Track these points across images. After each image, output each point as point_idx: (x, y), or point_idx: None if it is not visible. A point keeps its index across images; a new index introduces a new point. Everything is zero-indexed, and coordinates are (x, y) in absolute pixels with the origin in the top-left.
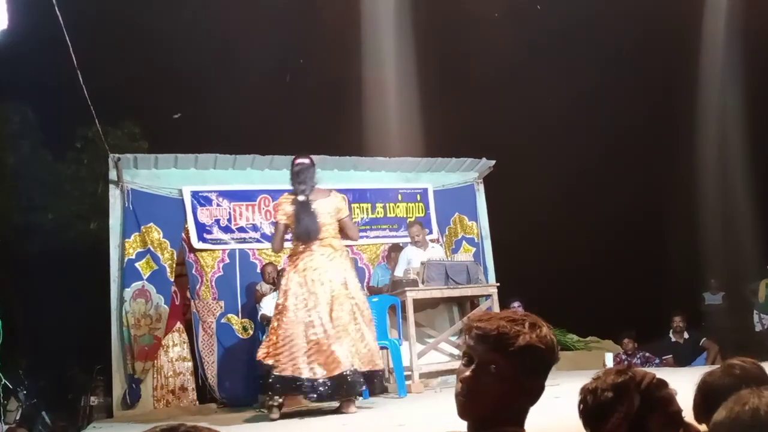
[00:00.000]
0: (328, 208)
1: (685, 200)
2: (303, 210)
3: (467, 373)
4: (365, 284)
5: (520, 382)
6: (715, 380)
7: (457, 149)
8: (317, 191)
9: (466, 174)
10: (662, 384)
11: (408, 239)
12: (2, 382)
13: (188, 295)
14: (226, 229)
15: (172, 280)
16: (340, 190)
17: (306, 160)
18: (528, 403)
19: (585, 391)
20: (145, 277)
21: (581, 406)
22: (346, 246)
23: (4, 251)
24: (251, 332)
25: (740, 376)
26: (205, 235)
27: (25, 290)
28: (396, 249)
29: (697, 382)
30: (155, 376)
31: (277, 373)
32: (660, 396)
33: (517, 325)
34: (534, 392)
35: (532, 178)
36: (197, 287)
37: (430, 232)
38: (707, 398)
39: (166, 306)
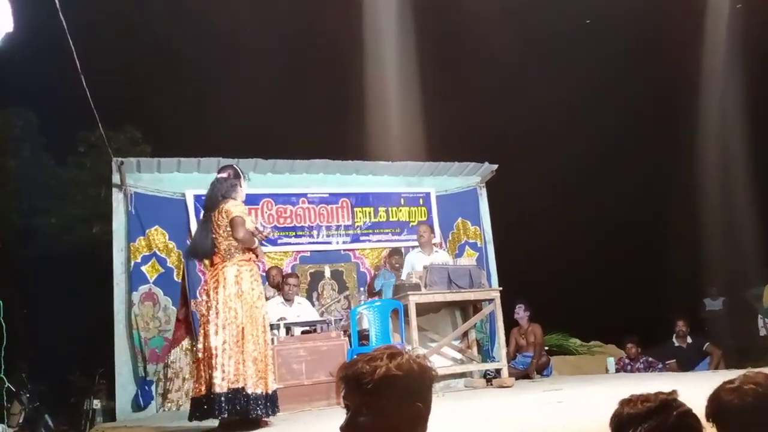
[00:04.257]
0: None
1: (687, 204)
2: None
3: (342, 423)
4: (366, 287)
5: (397, 413)
6: (732, 399)
7: (460, 154)
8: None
9: (468, 178)
10: (696, 418)
11: (410, 243)
12: (5, 386)
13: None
14: None
15: (180, 281)
16: (343, 194)
17: (222, 174)
18: (415, 429)
19: (624, 402)
20: (151, 281)
21: (616, 414)
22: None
23: (6, 255)
24: None
25: (754, 395)
26: None
27: (27, 294)
28: (396, 253)
29: (711, 394)
30: (159, 380)
31: None
32: (692, 424)
33: (374, 361)
34: (416, 418)
35: (534, 182)
36: (199, 287)
37: (434, 237)
38: (720, 416)
39: (174, 307)
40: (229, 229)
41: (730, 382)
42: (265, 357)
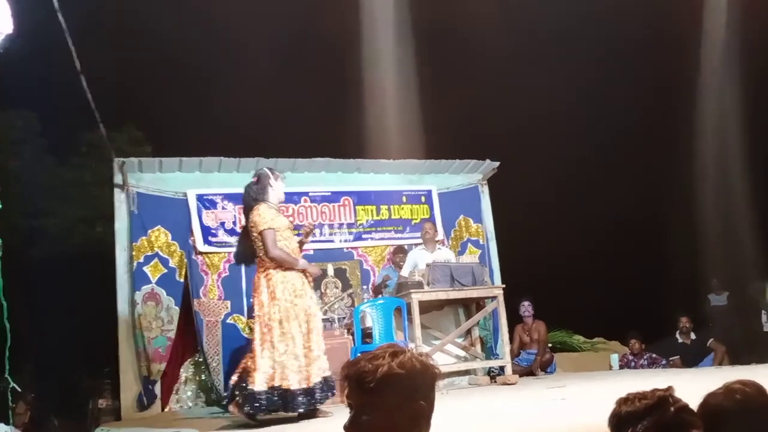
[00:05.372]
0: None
1: (688, 200)
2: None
3: (346, 422)
4: (370, 286)
5: (399, 412)
6: (718, 404)
7: (461, 151)
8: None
9: (470, 176)
10: (694, 413)
11: (413, 241)
12: (11, 386)
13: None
14: (232, 232)
15: (182, 281)
16: (344, 193)
17: (253, 179)
18: (418, 428)
19: (621, 400)
20: (153, 281)
21: (614, 413)
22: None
23: (10, 256)
24: None
25: (741, 402)
26: (210, 238)
27: (32, 295)
28: (401, 251)
29: (700, 401)
30: (164, 379)
31: None
32: (689, 419)
33: (377, 360)
34: (419, 415)
35: (536, 179)
36: (202, 287)
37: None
38: (709, 421)
39: (177, 307)
40: (258, 239)
41: (717, 389)
42: (309, 352)
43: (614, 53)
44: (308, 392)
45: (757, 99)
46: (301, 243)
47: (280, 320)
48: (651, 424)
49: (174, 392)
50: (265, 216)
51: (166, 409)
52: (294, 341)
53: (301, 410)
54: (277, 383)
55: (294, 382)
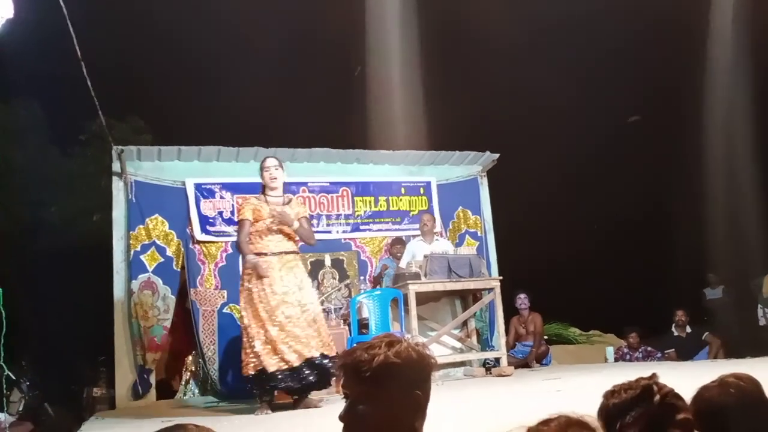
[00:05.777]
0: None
1: (688, 194)
2: None
3: (342, 412)
4: (368, 276)
5: (395, 401)
6: (712, 397)
7: (461, 143)
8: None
9: (469, 167)
10: (680, 397)
11: (411, 232)
12: (5, 373)
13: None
14: (229, 222)
15: (179, 270)
16: (343, 183)
17: None
18: (414, 418)
19: (608, 394)
20: (150, 270)
21: (602, 407)
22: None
23: (10, 245)
24: None
25: (736, 395)
26: (208, 227)
27: (29, 283)
28: (398, 242)
29: (693, 394)
30: (158, 369)
31: None
32: (676, 403)
33: (373, 349)
34: (415, 406)
35: (535, 171)
36: (199, 276)
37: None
38: (702, 414)
39: (173, 296)
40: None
41: (711, 382)
42: (287, 334)
43: (619, 45)
44: (293, 372)
45: (764, 93)
46: (275, 219)
47: (244, 307)
48: (639, 415)
49: (184, 383)
50: (241, 209)
51: (176, 398)
52: (259, 325)
53: (281, 387)
54: (260, 367)
55: (271, 365)
